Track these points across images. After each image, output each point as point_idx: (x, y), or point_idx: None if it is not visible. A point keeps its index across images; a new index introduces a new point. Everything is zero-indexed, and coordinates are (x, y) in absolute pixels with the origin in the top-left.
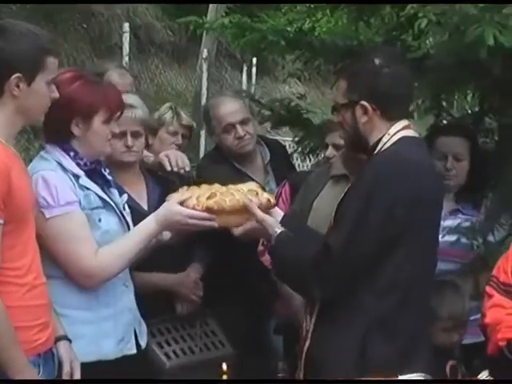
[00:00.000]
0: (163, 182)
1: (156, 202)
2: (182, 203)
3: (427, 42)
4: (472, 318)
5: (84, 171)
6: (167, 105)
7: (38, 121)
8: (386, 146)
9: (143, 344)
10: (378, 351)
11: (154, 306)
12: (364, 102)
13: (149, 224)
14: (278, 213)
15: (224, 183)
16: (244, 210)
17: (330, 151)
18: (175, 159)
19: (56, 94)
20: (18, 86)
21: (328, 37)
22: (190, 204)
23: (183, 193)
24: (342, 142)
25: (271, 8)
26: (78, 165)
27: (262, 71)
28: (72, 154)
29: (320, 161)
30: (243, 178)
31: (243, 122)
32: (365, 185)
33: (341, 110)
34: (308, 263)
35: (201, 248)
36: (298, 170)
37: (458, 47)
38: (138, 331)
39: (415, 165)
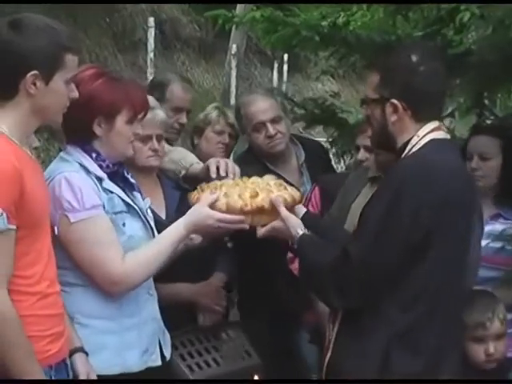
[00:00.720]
0: (181, 187)
1: (174, 209)
2: (212, 204)
3: (469, 36)
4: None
5: (106, 173)
6: (213, 104)
7: (54, 121)
8: (414, 149)
9: (168, 355)
10: (403, 365)
11: (175, 317)
12: (395, 101)
13: (177, 229)
14: (302, 209)
15: None
16: (274, 208)
17: (362, 154)
18: (225, 164)
19: (75, 94)
20: (34, 84)
21: (364, 32)
22: (236, 204)
23: (208, 192)
24: None
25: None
26: (101, 167)
27: (293, 68)
28: (94, 155)
29: (351, 163)
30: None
31: (274, 121)
32: (388, 190)
33: (370, 104)
34: (327, 268)
35: (223, 256)
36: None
37: (502, 42)
38: (162, 341)
39: (442, 168)
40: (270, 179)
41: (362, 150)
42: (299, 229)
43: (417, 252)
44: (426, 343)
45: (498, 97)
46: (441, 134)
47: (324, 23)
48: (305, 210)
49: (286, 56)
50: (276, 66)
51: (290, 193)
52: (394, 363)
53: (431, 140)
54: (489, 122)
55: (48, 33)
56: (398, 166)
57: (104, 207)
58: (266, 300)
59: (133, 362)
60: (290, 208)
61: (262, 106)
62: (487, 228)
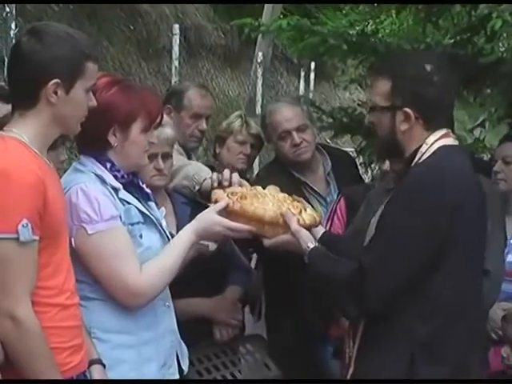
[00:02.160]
0: (192, 202)
1: (185, 224)
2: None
3: (501, 44)
4: None
5: (122, 184)
6: (237, 113)
7: (73, 131)
8: (424, 157)
9: (185, 368)
10: (428, 374)
11: (192, 332)
12: (408, 110)
13: (187, 235)
14: (321, 229)
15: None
16: (264, 220)
17: (387, 164)
18: (228, 174)
19: (94, 103)
20: (56, 93)
21: (393, 40)
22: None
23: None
24: None
25: (330, 8)
26: (116, 177)
27: (320, 77)
28: (108, 165)
29: (376, 174)
30: (303, 187)
31: (300, 129)
32: (401, 199)
33: (379, 111)
34: (342, 280)
35: (238, 268)
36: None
37: None
38: (179, 354)
39: (454, 174)
40: (273, 190)
41: (387, 161)
42: (310, 242)
43: (433, 260)
44: (449, 351)
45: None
46: (450, 141)
47: (352, 31)
48: (323, 230)
49: (312, 64)
50: (303, 74)
51: (310, 214)
52: (420, 373)
53: (441, 147)
54: None
55: (68, 41)
56: (409, 174)
57: (121, 218)
58: (291, 312)
59: (151, 375)
60: (308, 228)
61: (287, 115)
62: None
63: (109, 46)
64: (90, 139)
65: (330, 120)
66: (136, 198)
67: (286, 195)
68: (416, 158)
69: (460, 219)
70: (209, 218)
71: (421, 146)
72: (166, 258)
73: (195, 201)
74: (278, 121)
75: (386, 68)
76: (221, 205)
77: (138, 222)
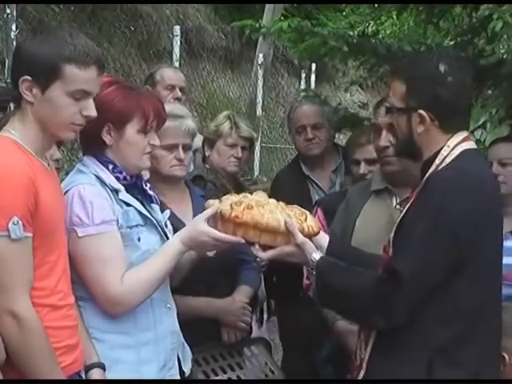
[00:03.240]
0: (210, 194)
1: None
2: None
3: (501, 46)
4: None
5: (124, 185)
6: (225, 114)
7: (60, 138)
8: (447, 161)
9: (187, 370)
10: (445, 377)
11: (198, 331)
12: (422, 112)
13: (175, 244)
14: (324, 238)
15: (290, 187)
16: (278, 231)
17: (364, 167)
18: None
19: (90, 112)
20: (31, 91)
21: (394, 41)
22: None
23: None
24: (373, 155)
25: (331, 9)
26: (118, 179)
27: (321, 78)
28: (111, 166)
29: (344, 181)
30: (308, 181)
31: (315, 127)
32: (431, 205)
33: (395, 113)
34: (365, 291)
35: (250, 267)
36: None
37: None
38: (181, 356)
39: (482, 182)
40: (262, 195)
41: (363, 164)
42: (315, 253)
43: (458, 265)
44: (467, 356)
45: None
46: (471, 145)
47: (353, 33)
48: (328, 238)
49: (313, 66)
50: (303, 75)
51: (312, 220)
52: (437, 376)
53: (464, 151)
54: None
55: (50, 41)
56: (435, 179)
57: (118, 221)
58: (296, 311)
59: (150, 376)
60: (307, 236)
61: (307, 112)
62: (508, 243)
63: (109, 47)
64: (87, 138)
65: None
66: (139, 199)
67: (281, 202)
68: (437, 161)
69: (486, 224)
70: (196, 227)
71: (441, 149)
72: (150, 267)
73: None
74: (298, 116)
75: (400, 69)
76: (207, 213)
77: (136, 225)
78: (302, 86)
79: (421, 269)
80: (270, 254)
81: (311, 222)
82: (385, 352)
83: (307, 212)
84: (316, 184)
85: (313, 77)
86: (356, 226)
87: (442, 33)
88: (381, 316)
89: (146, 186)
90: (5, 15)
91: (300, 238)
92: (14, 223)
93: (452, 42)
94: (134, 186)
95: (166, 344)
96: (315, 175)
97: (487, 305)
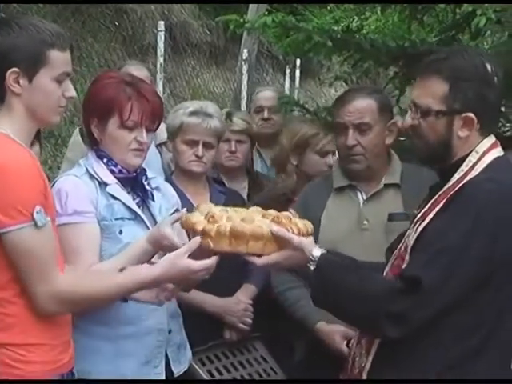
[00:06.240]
0: (229, 192)
1: None
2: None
3: (485, 42)
4: None
5: (120, 179)
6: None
7: (48, 122)
8: (477, 168)
9: (176, 371)
10: None
11: (201, 331)
12: (471, 115)
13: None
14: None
15: None
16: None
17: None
18: None
19: (71, 93)
20: (18, 83)
21: (378, 36)
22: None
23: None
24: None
25: (315, 5)
26: (112, 172)
27: (305, 74)
28: (105, 160)
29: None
30: (257, 155)
31: (271, 109)
32: (468, 217)
33: (430, 115)
34: (377, 296)
35: (258, 269)
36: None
37: None
38: (171, 356)
39: None
40: (255, 212)
41: (330, 156)
42: (315, 249)
43: (486, 278)
44: (476, 372)
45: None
46: (500, 151)
47: (337, 28)
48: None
49: (298, 61)
50: (288, 71)
51: (300, 220)
52: None
53: (497, 159)
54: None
55: (29, 30)
56: (476, 189)
57: (100, 213)
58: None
59: (127, 370)
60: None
61: (266, 95)
62: None
63: (94, 42)
64: (85, 131)
65: (314, 118)
66: (136, 193)
67: (259, 208)
68: (464, 167)
69: None
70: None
71: (470, 154)
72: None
73: (231, 191)
74: (258, 98)
75: (440, 67)
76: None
77: (121, 218)
78: (287, 82)
79: (448, 281)
80: (264, 260)
81: (300, 223)
82: (390, 363)
83: (289, 214)
84: (264, 160)
85: (297, 72)
86: (322, 223)
87: (427, 29)
88: (394, 325)
89: (146, 180)
90: None
91: (296, 239)
92: (37, 212)
93: (436, 38)
94: (133, 180)
95: (150, 340)
96: (264, 152)
97: (504, 314)
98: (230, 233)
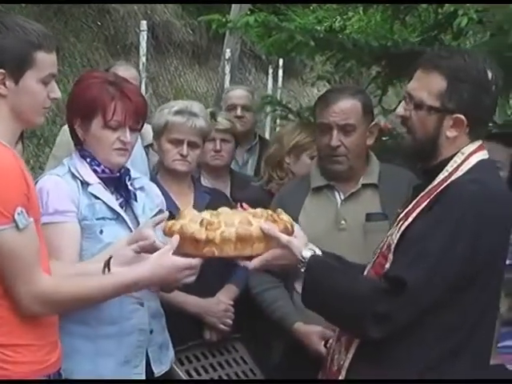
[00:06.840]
0: (213, 192)
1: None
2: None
3: (467, 42)
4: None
5: (103, 179)
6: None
7: (33, 123)
8: (463, 169)
9: (156, 371)
10: None
11: (181, 331)
12: (462, 117)
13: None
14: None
15: None
16: (261, 237)
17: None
18: None
19: (56, 94)
20: (4, 84)
21: (360, 36)
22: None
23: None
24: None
25: (298, 5)
26: (95, 171)
27: (288, 73)
28: (89, 160)
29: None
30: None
31: (244, 107)
32: (452, 217)
33: (423, 109)
34: (362, 296)
35: (241, 268)
36: None
37: (500, 48)
38: (152, 356)
39: (504, 198)
40: (225, 211)
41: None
42: (304, 250)
43: (470, 279)
44: (455, 372)
45: (497, 104)
46: (485, 154)
47: (320, 28)
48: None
49: (281, 61)
50: (271, 71)
51: (285, 216)
52: None
53: (482, 161)
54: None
55: (15, 31)
56: (460, 190)
57: (81, 213)
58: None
59: (106, 370)
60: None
61: (237, 93)
62: None
63: (76, 42)
64: (70, 131)
65: (297, 119)
66: (118, 193)
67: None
68: (448, 168)
69: (500, 243)
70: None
71: (455, 155)
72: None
73: (216, 190)
74: (230, 97)
75: (443, 64)
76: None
77: (103, 218)
78: (270, 82)
79: (432, 281)
80: (256, 262)
81: (285, 217)
82: (369, 361)
83: (269, 211)
84: (235, 159)
85: (280, 72)
86: (299, 223)
87: (409, 29)
88: (376, 325)
89: (129, 180)
90: None
91: (284, 237)
92: (18, 213)
93: (418, 38)
94: (116, 179)
95: (130, 340)
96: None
97: (486, 314)
98: (236, 237)
